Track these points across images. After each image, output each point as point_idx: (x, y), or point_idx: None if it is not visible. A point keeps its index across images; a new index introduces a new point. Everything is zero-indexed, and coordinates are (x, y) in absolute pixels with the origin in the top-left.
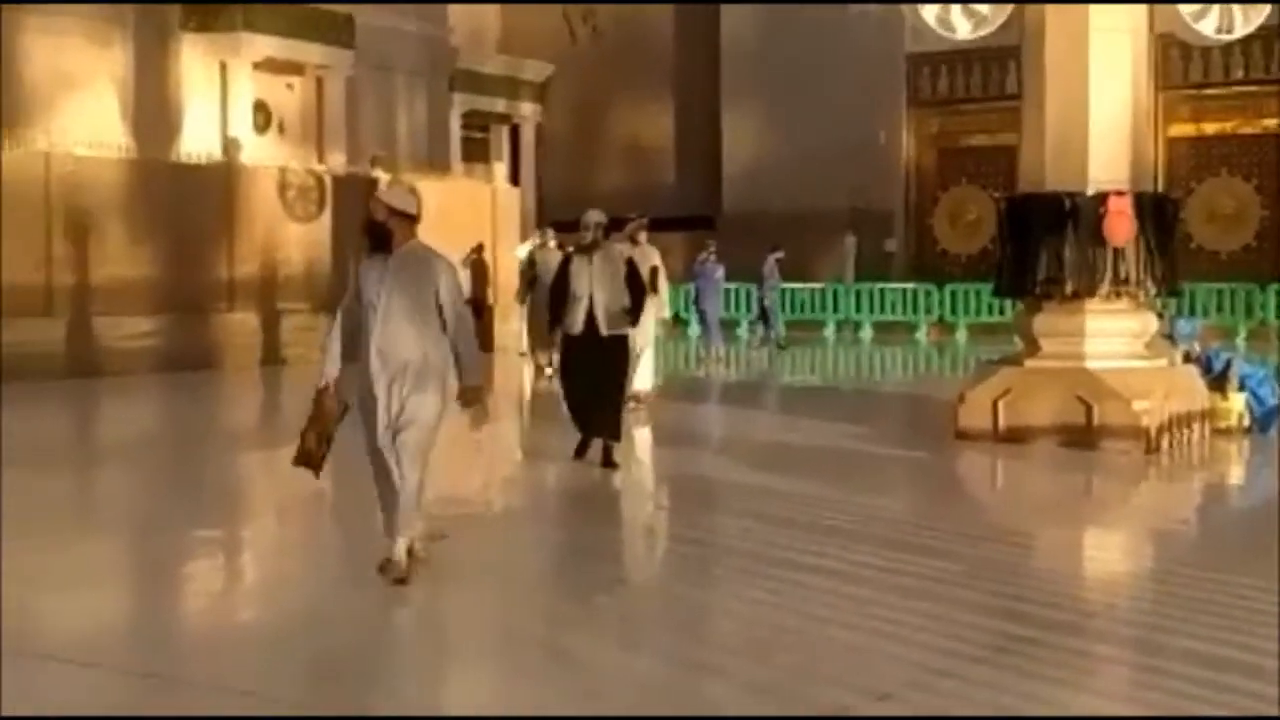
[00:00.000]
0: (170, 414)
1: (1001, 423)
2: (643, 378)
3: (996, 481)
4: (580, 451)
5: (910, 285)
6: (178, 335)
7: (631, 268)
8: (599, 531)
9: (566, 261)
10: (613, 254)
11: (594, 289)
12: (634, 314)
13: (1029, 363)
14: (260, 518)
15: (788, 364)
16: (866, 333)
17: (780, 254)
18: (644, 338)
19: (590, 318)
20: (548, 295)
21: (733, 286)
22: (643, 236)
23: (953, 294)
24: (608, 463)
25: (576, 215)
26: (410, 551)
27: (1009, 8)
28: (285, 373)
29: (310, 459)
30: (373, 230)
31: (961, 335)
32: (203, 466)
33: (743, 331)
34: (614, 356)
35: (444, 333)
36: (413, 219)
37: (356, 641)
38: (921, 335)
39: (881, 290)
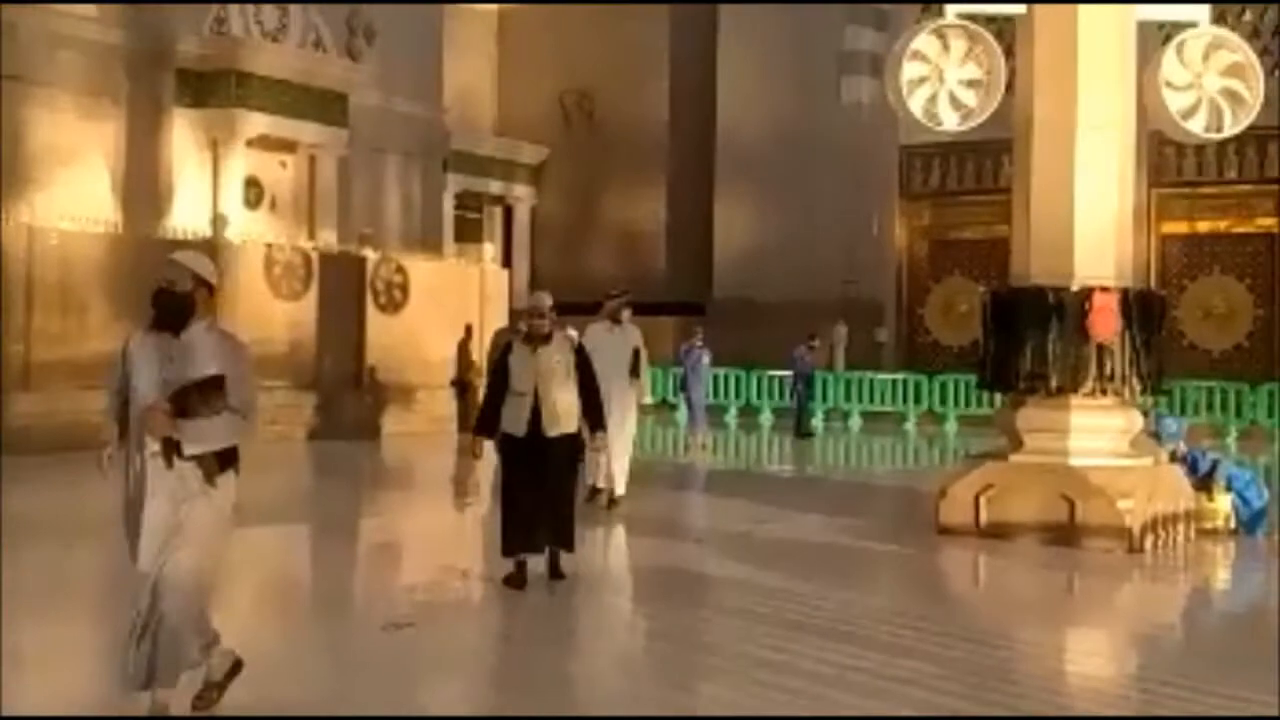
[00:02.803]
0: None
1: (984, 518)
2: (616, 476)
3: (977, 579)
4: (515, 579)
5: (900, 375)
6: None
7: (582, 357)
8: (558, 624)
9: (506, 350)
10: (561, 343)
11: (539, 383)
12: (590, 411)
13: (1013, 458)
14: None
15: (774, 453)
16: (855, 422)
17: (816, 342)
18: (627, 429)
19: (535, 416)
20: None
21: (721, 372)
22: (625, 315)
23: (942, 385)
24: (555, 573)
25: (570, 298)
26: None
27: (996, 101)
28: (264, 451)
29: None
30: (168, 302)
31: (951, 426)
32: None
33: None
34: (561, 459)
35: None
36: (213, 290)
37: None
38: (911, 426)
39: (871, 380)
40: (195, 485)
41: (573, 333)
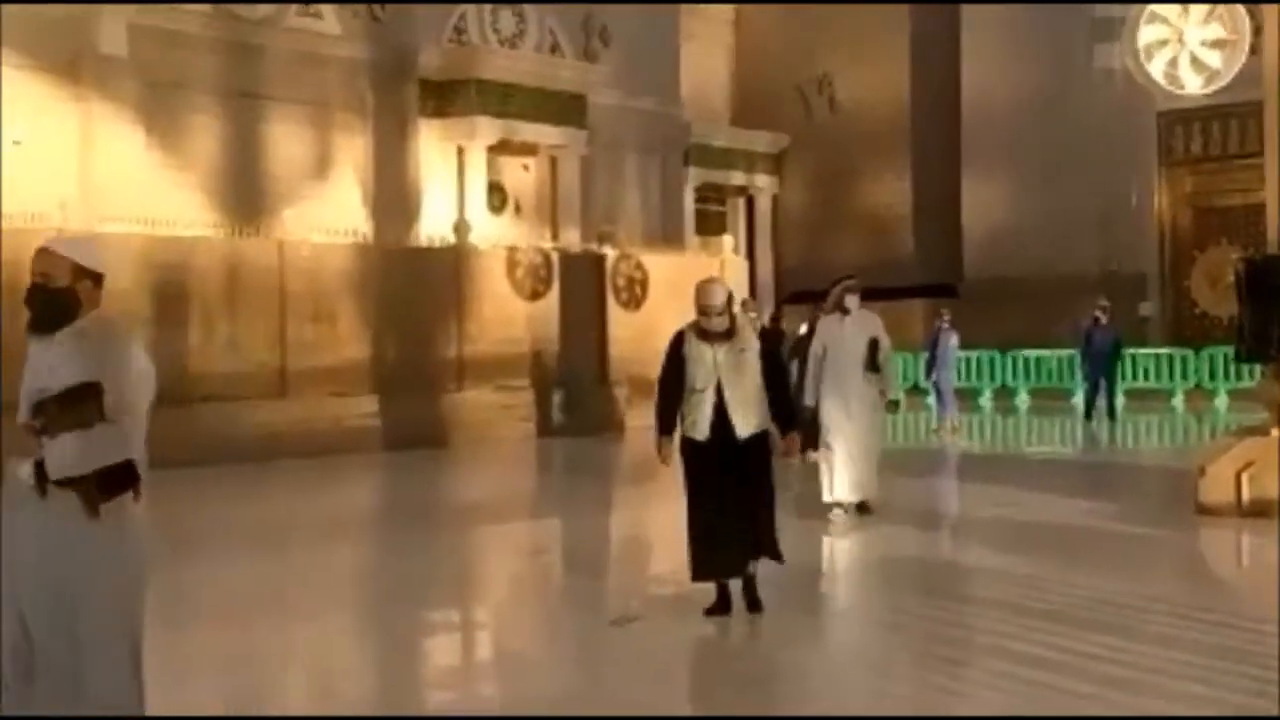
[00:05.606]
0: (403, 490)
1: (1245, 497)
2: (864, 483)
3: (1239, 561)
4: (718, 607)
5: (1164, 350)
6: (408, 414)
7: (766, 341)
8: (795, 616)
9: (679, 343)
10: (746, 336)
11: (721, 378)
12: (779, 411)
13: (1275, 432)
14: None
15: (1031, 434)
16: (1119, 400)
17: (1099, 313)
18: (867, 429)
19: (720, 416)
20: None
21: (972, 355)
22: (853, 302)
23: (1210, 358)
24: (753, 603)
25: (815, 286)
26: None
27: (1240, 61)
28: (510, 449)
29: None
30: (42, 299)
31: (1221, 402)
32: (436, 542)
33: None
34: (754, 462)
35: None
36: (100, 280)
37: None
38: (1178, 402)
39: (1133, 355)
40: (74, 522)
41: (753, 315)
